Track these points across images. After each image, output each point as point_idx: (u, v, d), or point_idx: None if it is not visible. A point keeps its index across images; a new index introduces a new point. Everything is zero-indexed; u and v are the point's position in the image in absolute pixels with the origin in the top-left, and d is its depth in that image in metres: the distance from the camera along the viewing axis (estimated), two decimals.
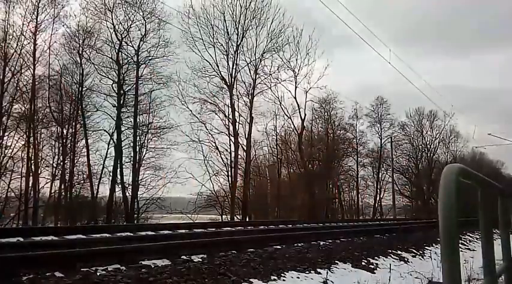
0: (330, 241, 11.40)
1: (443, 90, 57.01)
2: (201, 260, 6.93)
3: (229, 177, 27.58)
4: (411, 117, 46.30)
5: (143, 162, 25.43)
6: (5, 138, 22.25)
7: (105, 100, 25.20)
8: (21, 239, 7.75)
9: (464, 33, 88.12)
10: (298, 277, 6.77)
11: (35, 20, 23.03)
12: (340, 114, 37.59)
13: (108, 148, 25.09)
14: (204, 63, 26.97)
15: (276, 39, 28.09)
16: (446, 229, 1.09)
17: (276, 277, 6.47)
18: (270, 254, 8.07)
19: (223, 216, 27.34)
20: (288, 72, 30.05)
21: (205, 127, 27.23)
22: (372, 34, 53.37)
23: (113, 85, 24.89)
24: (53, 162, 24.08)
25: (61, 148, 24.07)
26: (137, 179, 24.77)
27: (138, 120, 25.15)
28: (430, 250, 12.09)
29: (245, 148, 27.78)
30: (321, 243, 10.76)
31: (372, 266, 8.79)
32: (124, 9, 24.62)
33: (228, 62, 27.37)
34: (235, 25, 27.18)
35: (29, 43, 22.92)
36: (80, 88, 24.50)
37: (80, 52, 24.33)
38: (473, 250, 14.07)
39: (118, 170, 24.54)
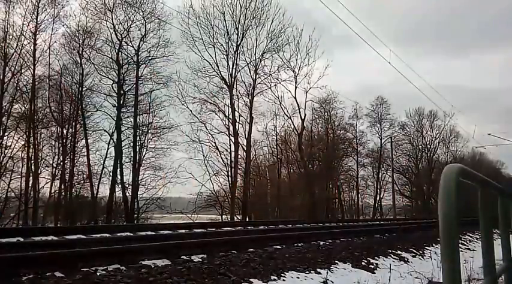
0: (329, 241, 11.43)
1: (443, 90, 57.16)
2: (201, 260, 6.94)
3: (229, 177, 27.57)
4: (411, 117, 46.46)
5: (143, 162, 25.47)
6: (5, 138, 22.30)
7: (105, 100, 25.29)
8: (21, 239, 7.77)
9: (463, 33, 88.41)
10: (298, 277, 6.77)
11: (35, 20, 23.10)
12: (340, 114, 37.68)
13: (108, 148, 25.18)
14: (204, 63, 27.01)
15: (276, 39, 28.09)
16: (446, 229, 1.09)
17: (276, 277, 6.47)
18: (270, 254, 8.08)
19: (223, 216, 27.33)
20: (288, 72, 30.07)
21: (205, 127, 27.26)
22: (371, 34, 53.48)
23: (113, 85, 24.98)
24: (53, 162, 24.14)
25: (61, 148, 24.08)
26: (137, 179, 24.78)
27: (138, 120, 25.22)
28: (430, 250, 12.09)
29: (245, 148, 27.76)
30: (321, 243, 10.78)
31: (372, 266, 8.79)
32: (124, 9, 24.71)
33: (228, 62, 27.41)
34: (235, 25, 27.20)
35: (29, 43, 23.00)
36: (80, 88, 24.53)
37: (80, 52, 24.38)
38: (473, 250, 14.07)
39: (118, 170, 24.58)
